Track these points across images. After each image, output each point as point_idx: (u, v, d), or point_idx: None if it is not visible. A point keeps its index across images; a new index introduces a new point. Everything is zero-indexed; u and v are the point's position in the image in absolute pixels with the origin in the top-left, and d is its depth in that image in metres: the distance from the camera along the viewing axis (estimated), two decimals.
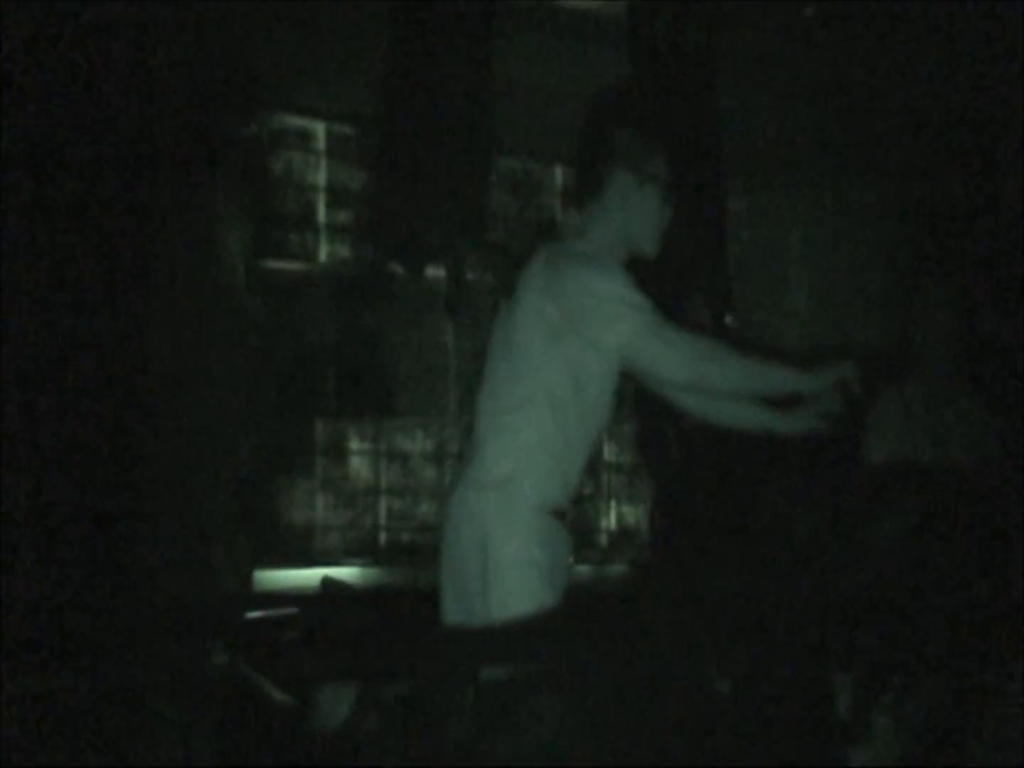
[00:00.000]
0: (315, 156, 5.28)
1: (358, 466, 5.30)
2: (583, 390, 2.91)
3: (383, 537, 5.27)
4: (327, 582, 3.26)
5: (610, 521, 5.73)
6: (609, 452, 5.72)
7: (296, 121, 5.24)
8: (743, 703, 2.60)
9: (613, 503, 5.74)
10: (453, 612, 2.92)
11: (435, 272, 4.97)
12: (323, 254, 5.31)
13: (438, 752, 2.26)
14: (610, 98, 3.82)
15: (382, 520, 5.26)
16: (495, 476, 2.89)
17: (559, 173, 5.78)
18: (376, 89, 4.69)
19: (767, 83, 5.07)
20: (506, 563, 2.82)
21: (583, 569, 5.11)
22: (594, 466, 5.52)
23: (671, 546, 3.12)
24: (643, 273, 2.93)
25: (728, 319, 4.85)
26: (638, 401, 4.61)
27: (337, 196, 5.30)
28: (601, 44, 4.93)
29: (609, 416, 3.01)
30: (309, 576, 3.96)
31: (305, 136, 5.27)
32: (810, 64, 5.08)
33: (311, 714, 2.29)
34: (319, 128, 5.29)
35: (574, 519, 3.02)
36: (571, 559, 2.98)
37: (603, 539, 5.71)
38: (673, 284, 4.46)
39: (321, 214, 5.30)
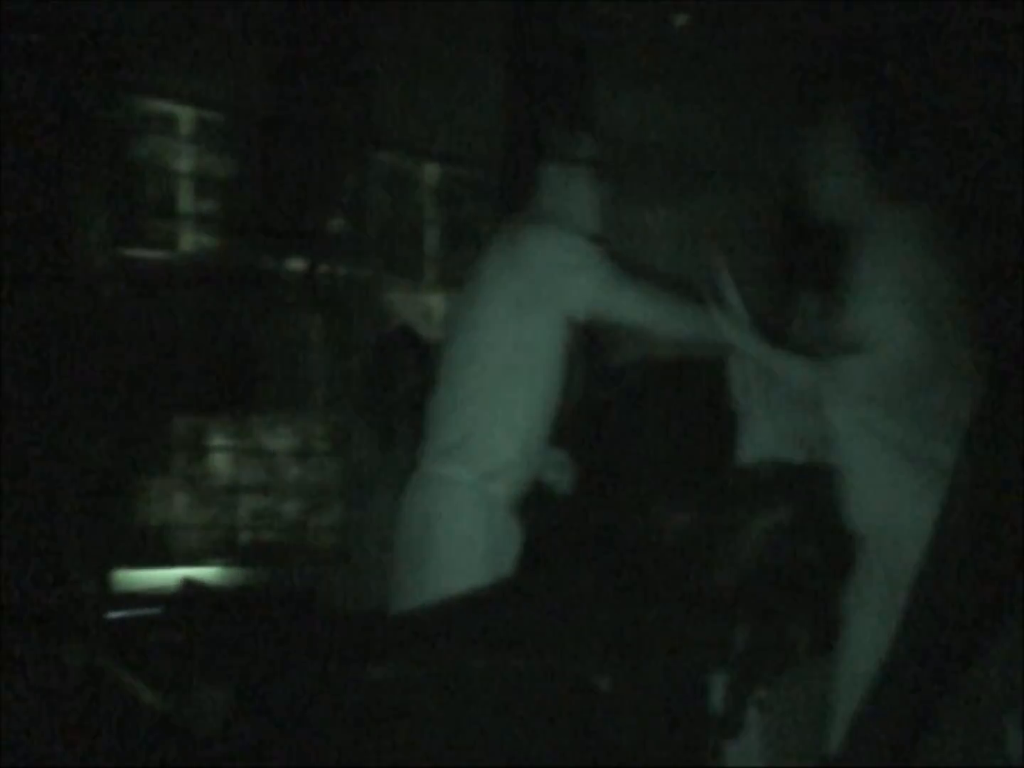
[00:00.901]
0: (180, 142, 5.12)
1: (219, 463, 5.16)
2: (541, 363, 2.95)
3: (245, 536, 5.14)
4: (187, 583, 3.19)
5: None
6: None
7: (161, 105, 5.08)
8: (622, 700, 2.59)
9: None
10: (397, 587, 2.98)
11: (303, 264, 4.88)
12: (186, 243, 5.16)
13: (317, 752, 2.20)
14: (532, 97, 3.86)
15: (244, 519, 5.14)
16: (448, 445, 2.95)
17: (431, 170, 5.72)
18: (248, 76, 4.58)
19: (640, 82, 5.09)
20: (445, 539, 2.89)
21: None
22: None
23: (547, 547, 3.10)
24: None
25: None
26: None
27: (202, 184, 5.15)
28: (478, 41, 4.89)
29: (560, 390, 3.04)
30: (168, 576, 3.85)
31: (170, 121, 5.10)
32: (683, 65, 5.12)
33: (185, 716, 2.21)
34: (185, 113, 5.13)
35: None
36: (519, 542, 3.01)
37: None
38: None
39: (185, 202, 5.14)
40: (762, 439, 3.65)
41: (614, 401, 3.98)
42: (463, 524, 2.97)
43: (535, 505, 3.09)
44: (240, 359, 5.18)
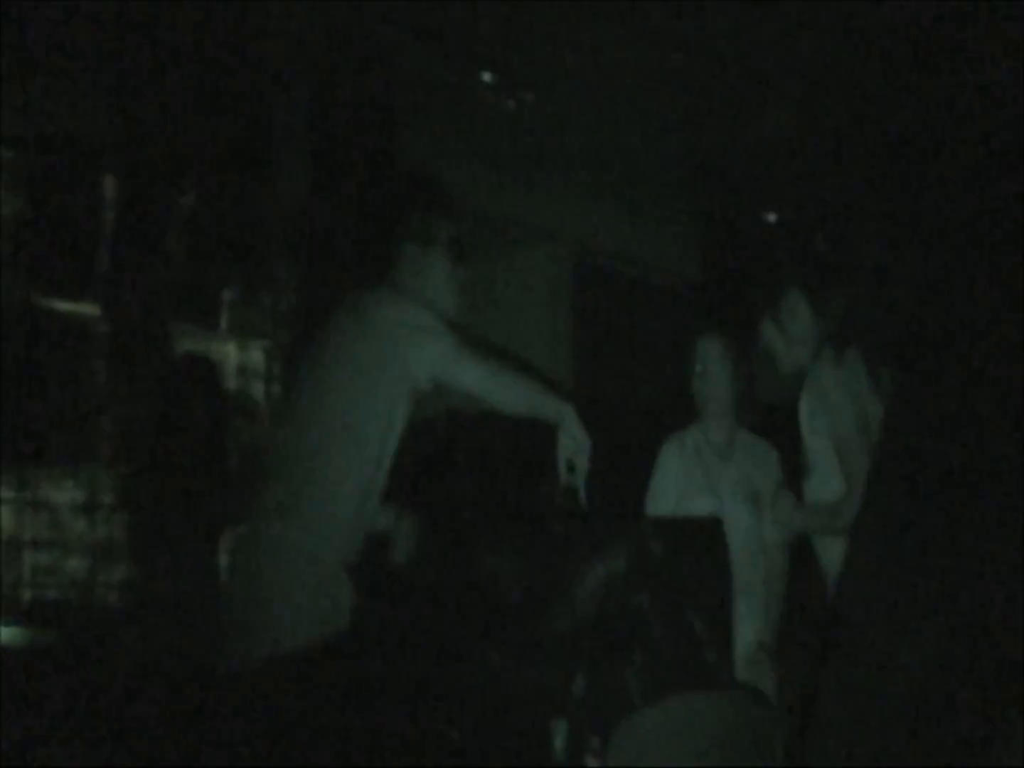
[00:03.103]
0: None
1: (1, 517, 4.87)
2: (378, 426, 2.94)
3: (27, 594, 4.86)
4: None
5: None
6: None
7: None
8: (470, 749, 2.58)
9: None
10: (227, 648, 3.00)
11: (90, 309, 4.69)
12: None
13: None
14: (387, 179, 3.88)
15: (27, 575, 4.86)
16: (279, 503, 2.96)
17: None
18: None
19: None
20: (275, 601, 2.91)
21: None
22: None
23: (391, 599, 3.09)
24: None
25: None
26: None
27: None
28: None
29: (395, 454, 3.08)
30: None
31: None
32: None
33: None
34: None
35: None
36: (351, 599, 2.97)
37: None
38: None
39: None
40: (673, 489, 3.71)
41: (438, 453, 3.98)
42: (293, 586, 2.93)
43: (371, 560, 3.07)
44: (22, 407, 4.92)
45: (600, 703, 2.74)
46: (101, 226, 4.44)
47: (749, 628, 3.66)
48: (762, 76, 4.57)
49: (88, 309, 4.60)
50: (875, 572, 2.40)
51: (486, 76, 4.80)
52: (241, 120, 4.50)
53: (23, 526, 4.86)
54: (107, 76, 4.20)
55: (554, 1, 4.10)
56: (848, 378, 3.20)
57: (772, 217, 6.06)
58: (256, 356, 5.15)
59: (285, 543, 2.94)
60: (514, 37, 4.36)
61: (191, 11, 4.12)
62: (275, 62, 4.41)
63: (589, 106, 5.07)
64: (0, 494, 4.86)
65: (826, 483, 3.25)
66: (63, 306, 4.51)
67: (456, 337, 3.00)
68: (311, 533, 2.93)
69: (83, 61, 4.00)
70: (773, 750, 2.69)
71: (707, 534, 3.17)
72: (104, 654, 4.23)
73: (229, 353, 5.20)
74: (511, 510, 3.70)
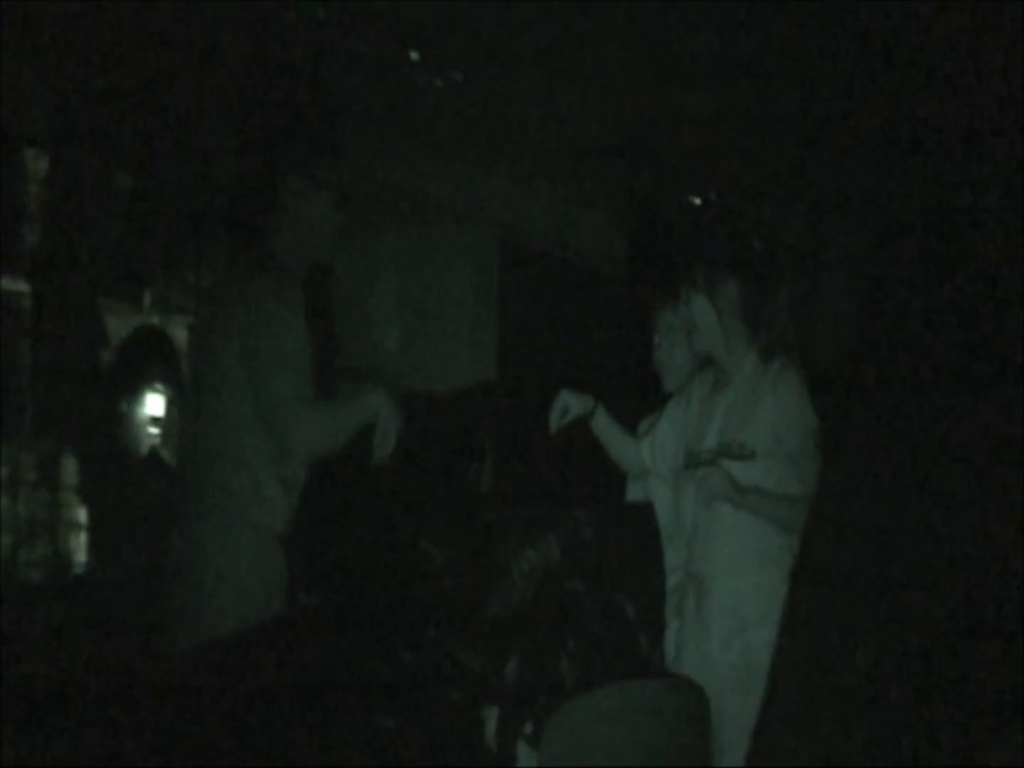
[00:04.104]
0: None
1: None
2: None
3: None
4: None
5: None
6: None
7: None
8: (403, 734, 2.60)
9: None
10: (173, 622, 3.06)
11: (10, 284, 4.60)
12: None
13: None
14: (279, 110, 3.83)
15: None
16: (211, 479, 3.03)
17: None
18: None
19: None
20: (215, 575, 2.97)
21: None
22: None
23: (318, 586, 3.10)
24: None
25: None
26: None
27: None
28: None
29: None
30: None
31: None
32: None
33: None
34: None
35: None
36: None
37: None
38: None
39: None
40: None
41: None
42: (226, 559, 2.95)
43: (305, 542, 3.08)
44: None
45: (533, 689, 2.78)
46: (27, 202, 4.36)
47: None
48: (685, 52, 4.58)
49: (14, 285, 4.51)
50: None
51: (414, 55, 4.77)
52: (171, 96, 4.44)
53: None
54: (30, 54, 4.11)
55: None
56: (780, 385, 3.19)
57: (697, 200, 6.11)
58: (179, 333, 5.10)
59: (214, 516, 2.97)
60: (443, 16, 4.32)
61: None
62: (200, 39, 4.33)
63: (517, 86, 5.07)
64: None
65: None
66: None
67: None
68: (236, 503, 2.97)
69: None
70: (705, 737, 2.75)
71: (638, 519, 3.21)
72: (32, 634, 4.19)
73: None
74: (442, 495, 3.72)
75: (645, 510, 3.23)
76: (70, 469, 4.75)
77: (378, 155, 5.06)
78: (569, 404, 3.37)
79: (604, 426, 3.48)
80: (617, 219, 6.34)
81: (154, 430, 4.24)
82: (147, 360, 4.18)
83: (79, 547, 4.60)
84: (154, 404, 4.19)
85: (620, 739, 2.65)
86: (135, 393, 4.14)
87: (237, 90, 4.56)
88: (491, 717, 2.77)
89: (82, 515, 4.55)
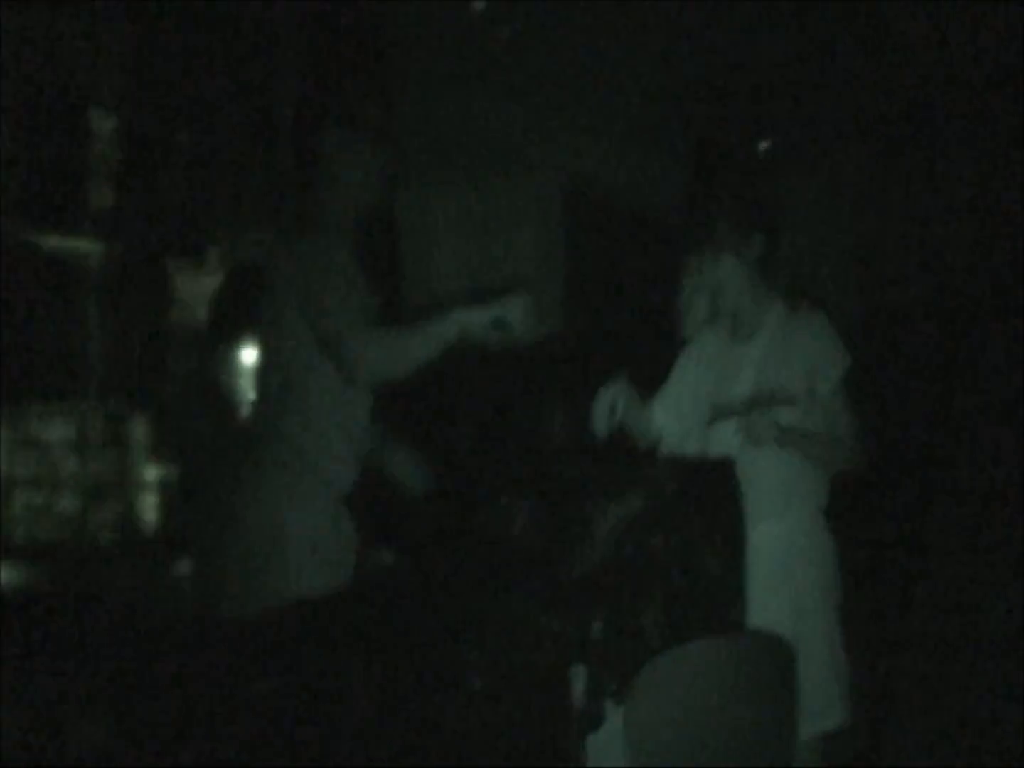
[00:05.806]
0: None
1: None
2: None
3: (19, 532, 4.81)
4: None
5: None
6: None
7: None
8: (488, 696, 2.57)
9: None
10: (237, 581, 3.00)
11: (79, 244, 4.60)
12: None
13: None
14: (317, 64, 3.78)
15: (17, 514, 4.80)
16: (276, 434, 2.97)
17: None
18: None
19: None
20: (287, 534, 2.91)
21: None
22: None
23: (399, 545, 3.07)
24: None
25: None
26: None
27: None
28: None
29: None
30: None
31: None
32: None
33: None
34: None
35: None
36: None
37: None
38: None
39: None
40: None
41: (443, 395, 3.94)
42: (293, 521, 2.93)
43: (383, 503, 3.04)
44: (10, 344, 4.83)
45: (618, 648, 2.74)
46: (94, 162, 4.34)
47: None
48: None
49: (82, 245, 4.50)
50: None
51: (479, 5, 4.70)
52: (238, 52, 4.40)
53: (13, 465, 4.80)
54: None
55: None
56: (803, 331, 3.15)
57: (765, 145, 5.97)
58: None
59: (283, 474, 2.95)
60: None
61: None
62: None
63: (581, 35, 4.98)
64: None
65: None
66: (55, 242, 4.40)
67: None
68: (305, 464, 2.94)
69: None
70: (794, 694, 2.70)
71: (718, 473, 3.15)
72: (98, 593, 4.21)
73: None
74: (521, 451, 3.67)
75: (724, 465, 3.18)
76: (139, 430, 4.76)
77: (439, 101, 4.99)
78: (616, 399, 3.14)
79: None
80: (682, 168, 6.23)
81: None
82: (242, 304, 4.01)
83: (150, 507, 4.62)
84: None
85: (708, 695, 2.60)
86: (234, 340, 3.98)
87: (291, 37, 4.53)
88: (579, 676, 2.73)
89: (152, 475, 4.56)
